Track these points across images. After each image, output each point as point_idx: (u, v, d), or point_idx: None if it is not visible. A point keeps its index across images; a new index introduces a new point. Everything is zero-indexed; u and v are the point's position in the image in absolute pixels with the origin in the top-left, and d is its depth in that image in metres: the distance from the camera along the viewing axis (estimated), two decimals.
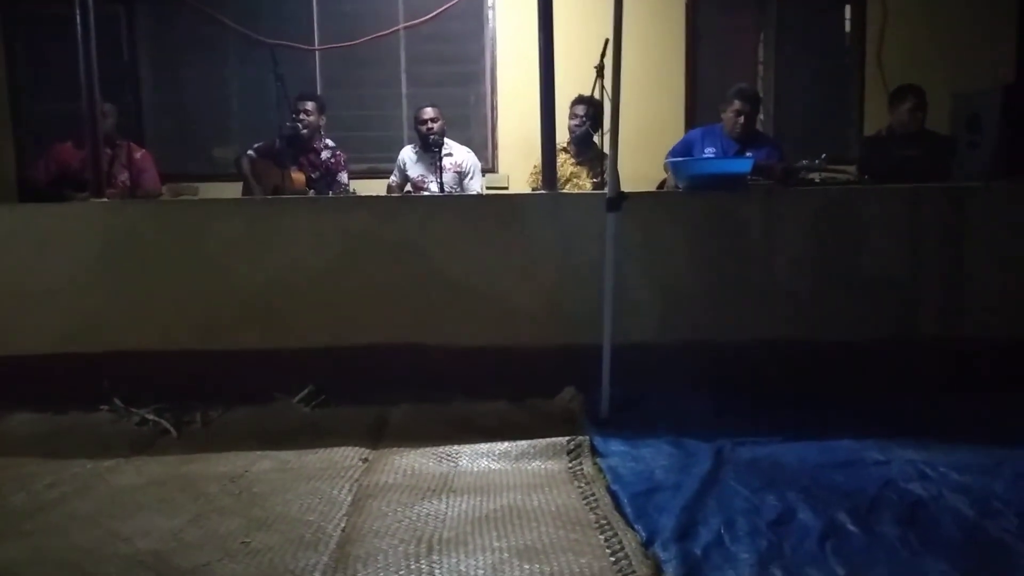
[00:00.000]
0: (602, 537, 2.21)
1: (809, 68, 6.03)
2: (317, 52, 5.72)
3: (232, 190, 4.85)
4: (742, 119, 4.38)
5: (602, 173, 4.63)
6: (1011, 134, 4.23)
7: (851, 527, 2.24)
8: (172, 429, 3.24)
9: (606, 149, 4.50)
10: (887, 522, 2.27)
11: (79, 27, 3.58)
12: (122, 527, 2.32)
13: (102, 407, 3.41)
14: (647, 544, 2.14)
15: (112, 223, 3.61)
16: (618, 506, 2.41)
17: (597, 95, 4.51)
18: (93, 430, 3.24)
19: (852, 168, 4.28)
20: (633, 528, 2.25)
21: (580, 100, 4.79)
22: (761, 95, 5.72)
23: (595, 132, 4.83)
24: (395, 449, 2.96)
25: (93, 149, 3.72)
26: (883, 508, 2.36)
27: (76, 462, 2.89)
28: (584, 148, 4.92)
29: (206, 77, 5.89)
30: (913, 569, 2.03)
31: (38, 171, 4.54)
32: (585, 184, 4.86)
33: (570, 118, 4.83)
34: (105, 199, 3.74)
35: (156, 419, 3.31)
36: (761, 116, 5.73)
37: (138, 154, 4.52)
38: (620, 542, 2.16)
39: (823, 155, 3.91)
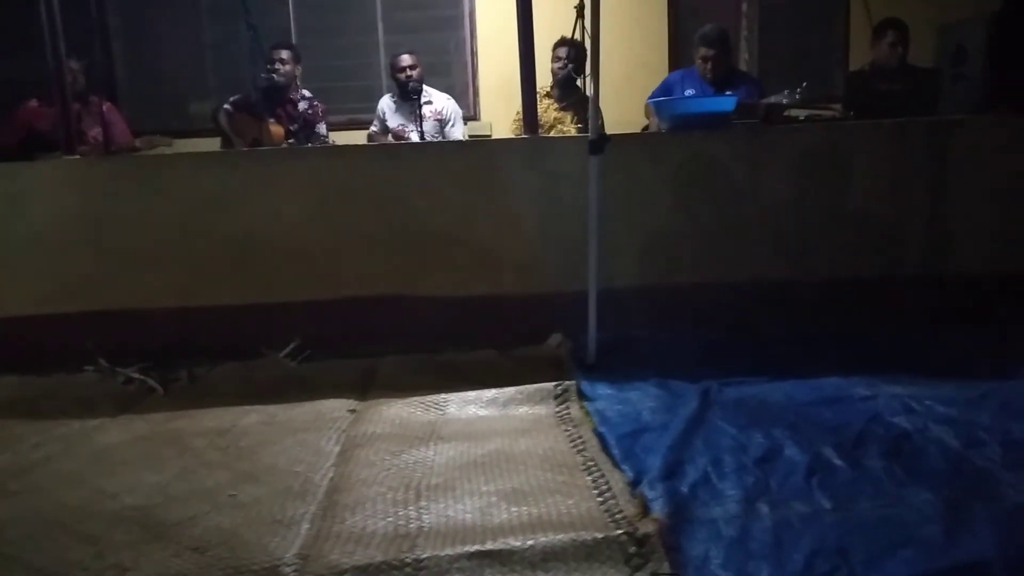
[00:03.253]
0: (589, 478, 2.21)
1: (793, 5, 5.93)
2: (290, 0, 5.58)
3: (210, 145, 4.76)
4: (710, 65, 4.30)
5: (587, 118, 4.56)
6: (997, 65, 4.17)
7: (837, 461, 2.25)
8: (158, 387, 3.22)
9: (589, 92, 4.46)
10: (873, 455, 2.29)
11: None
12: (108, 484, 2.31)
13: (87, 367, 3.38)
14: (634, 484, 2.14)
15: (87, 180, 3.54)
16: (605, 448, 2.42)
17: (578, 37, 4.44)
18: (78, 391, 3.21)
19: (838, 106, 4.22)
20: (620, 469, 2.26)
21: (562, 42, 4.70)
22: (745, 33, 5.64)
23: (578, 76, 4.75)
24: (382, 400, 2.96)
25: (62, 106, 3.64)
26: (869, 442, 2.37)
27: (62, 422, 2.88)
28: (568, 92, 4.84)
29: (178, 30, 5.77)
30: (898, 500, 2.04)
31: (2, 134, 4.43)
32: (569, 129, 4.79)
33: (552, 61, 4.74)
34: (77, 156, 3.66)
35: (142, 378, 3.29)
36: (746, 56, 5.65)
37: (104, 107, 4.41)
38: (607, 483, 2.17)
39: (804, 84, 3.84)
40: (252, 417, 2.84)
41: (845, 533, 1.89)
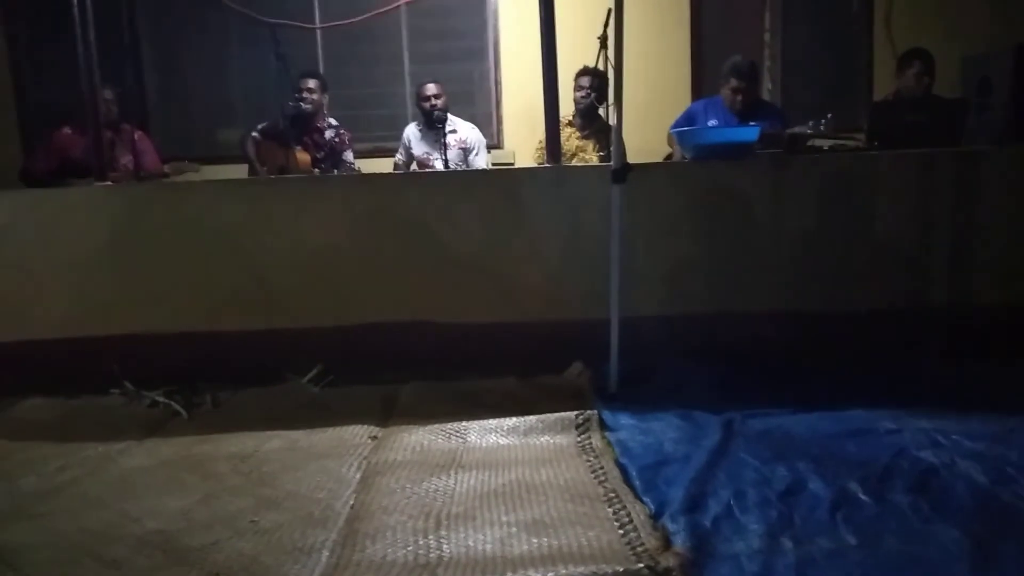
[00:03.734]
0: (610, 510, 2.20)
1: (816, 34, 5.95)
2: (318, 31, 5.68)
3: (237, 172, 4.84)
4: (740, 97, 4.32)
5: (609, 146, 4.59)
6: (1022, 97, 4.15)
7: (862, 496, 2.22)
8: (182, 411, 3.25)
9: (611, 121, 4.48)
10: (899, 490, 2.25)
11: (76, 11, 3.57)
12: (132, 508, 2.33)
13: (113, 390, 3.42)
14: (656, 516, 2.13)
15: (117, 206, 3.60)
16: (627, 479, 2.41)
17: (601, 66, 4.47)
18: (104, 413, 3.25)
19: (861, 136, 4.22)
20: (642, 500, 2.24)
21: (584, 72, 4.74)
22: (767, 63, 5.65)
23: (600, 104, 4.78)
24: (404, 427, 2.96)
25: (95, 133, 3.72)
26: (895, 476, 2.34)
27: (87, 445, 2.91)
28: (589, 121, 4.88)
29: (208, 59, 5.88)
30: (925, 537, 2.01)
31: (37, 161, 4.53)
32: (591, 157, 4.81)
33: (575, 90, 4.78)
34: (109, 183, 3.74)
35: (167, 401, 3.32)
36: (769, 85, 5.67)
37: (136, 135, 4.51)
38: (629, 515, 2.15)
39: (829, 115, 3.84)
40: (275, 442, 2.86)
41: (871, 570, 1.86)
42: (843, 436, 2.69)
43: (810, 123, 3.86)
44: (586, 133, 4.89)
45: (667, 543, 1.98)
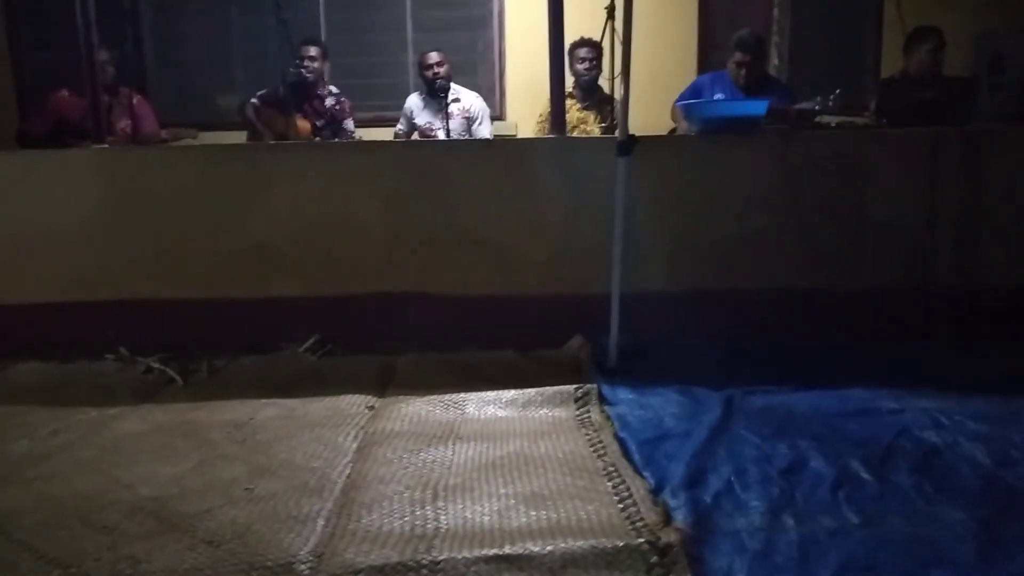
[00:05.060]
0: (610, 484, 2.17)
1: (825, 11, 5.86)
2: None
3: (236, 138, 4.76)
4: (744, 71, 4.24)
5: (610, 117, 4.53)
6: None
7: (865, 475, 2.20)
8: (178, 378, 3.22)
9: (616, 93, 4.42)
10: (902, 471, 2.23)
11: None
12: (124, 474, 2.30)
13: (108, 356, 3.39)
14: (656, 491, 2.10)
15: (115, 170, 3.54)
16: (626, 453, 2.38)
17: (607, 37, 4.39)
18: (98, 379, 3.22)
19: (870, 113, 4.16)
20: (641, 475, 2.21)
21: (582, 43, 4.65)
22: (776, 38, 5.57)
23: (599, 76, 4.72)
24: (401, 397, 2.93)
25: (92, 96, 3.66)
26: (897, 456, 2.32)
27: (81, 410, 2.88)
28: (590, 93, 4.81)
29: (209, 24, 5.79)
30: (929, 517, 1.99)
31: (34, 122, 4.46)
32: (593, 129, 4.75)
33: (576, 62, 4.70)
34: (106, 146, 3.68)
35: (162, 368, 3.29)
36: (776, 61, 5.59)
37: (134, 100, 4.44)
38: (628, 489, 2.13)
39: (837, 91, 3.77)
40: (270, 411, 2.83)
41: (874, 550, 1.84)
42: (845, 415, 2.66)
43: (818, 99, 3.80)
44: (587, 104, 4.82)
45: (667, 518, 1.95)
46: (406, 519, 2.01)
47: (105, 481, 2.26)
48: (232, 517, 2.03)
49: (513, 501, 2.08)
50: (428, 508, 2.06)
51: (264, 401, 2.92)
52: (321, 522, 2.00)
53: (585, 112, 4.81)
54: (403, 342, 3.41)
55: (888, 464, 2.27)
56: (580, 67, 4.71)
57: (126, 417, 2.81)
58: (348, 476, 2.27)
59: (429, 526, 1.97)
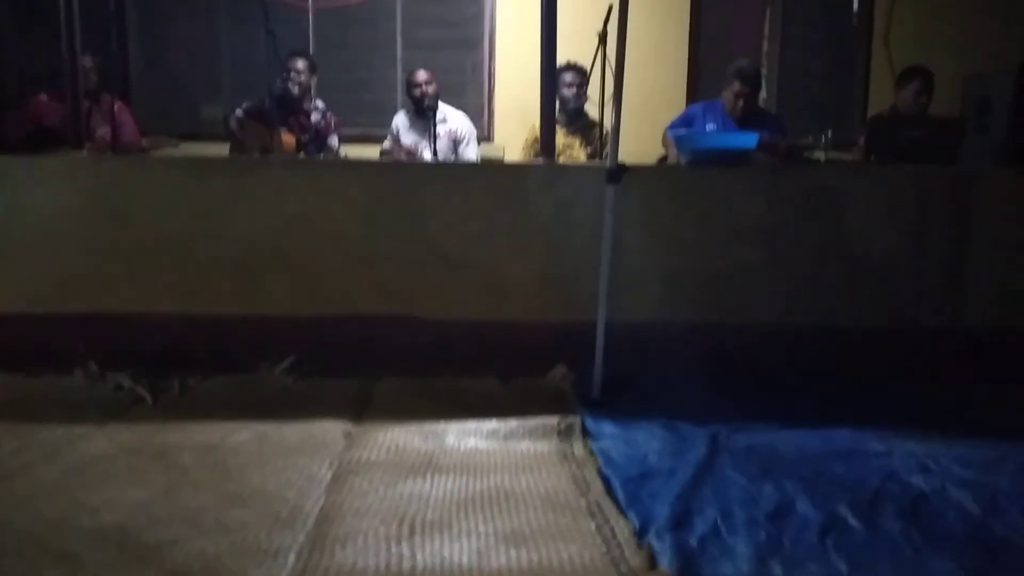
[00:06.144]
0: (593, 524, 2.11)
1: (815, 45, 5.90)
2: (311, 10, 5.53)
3: (219, 150, 4.68)
4: (741, 102, 4.24)
5: (598, 144, 4.50)
6: (1022, 117, 4.12)
7: (852, 521, 2.15)
8: (148, 396, 3.11)
9: (596, 117, 4.39)
10: (889, 516, 2.19)
11: None
12: (89, 498, 2.20)
13: (76, 371, 3.28)
14: (640, 533, 2.04)
15: (92, 178, 3.45)
16: (610, 491, 2.32)
17: (598, 63, 4.37)
18: (65, 394, 3.11)
19: (856, 150, 4.17)
20: (625, 515, 2.15)
21: (569, 67, 4.61)
22: (764, 71, 5.59)
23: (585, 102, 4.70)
24: (379, 424, 2.85)
25: (73, 102, 3.57)
26: (885, 501, 2.27)
27: (45, 427, 2.77)
28: (576, 117, 4.78)
29: (196, 32, 5.71)
30: (918, 567, 1.94)
31: (10, 127, 4.35)
32: (579, 155, 4.72)
33: (562, 87, 4.64)
34: (84, 153, 3.59)
35: (132, 385, 3.18)
36: (764, 94, 5.61)
37: (115, 106, 4.35)
38: (612, 529, 2.07)
39: (829, 132, 3.78)
40: (243, 435, 2.73)
41: None
42: (831, 456, 2.62)
43: (810, 138, 3.80)
44: (572, 130, 4.79)
45: (652, 562, 1.89)
46: (381, 556, 1.93)
47: (68, 505, 2.17)
48: (200, 548, 1.95)
49: (493, 540, 2.01)
50: (404, 545, 1.98)
51: (237, 424, 2.82)
52: (292, 557, 1.92)
53: (571, 137, 4.77)
54: (382, 366, 3.34)
55: (876, 509, 2.23)
56: (566, 92, 4.66)
57: (92, 437, 2.70)
58: (322, 507, 2.19)
59: (405, 564, 1.89)
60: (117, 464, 2.47)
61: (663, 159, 4.41)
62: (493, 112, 5.64)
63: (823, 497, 2.28)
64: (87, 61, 3.99)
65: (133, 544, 1.97)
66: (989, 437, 2.79)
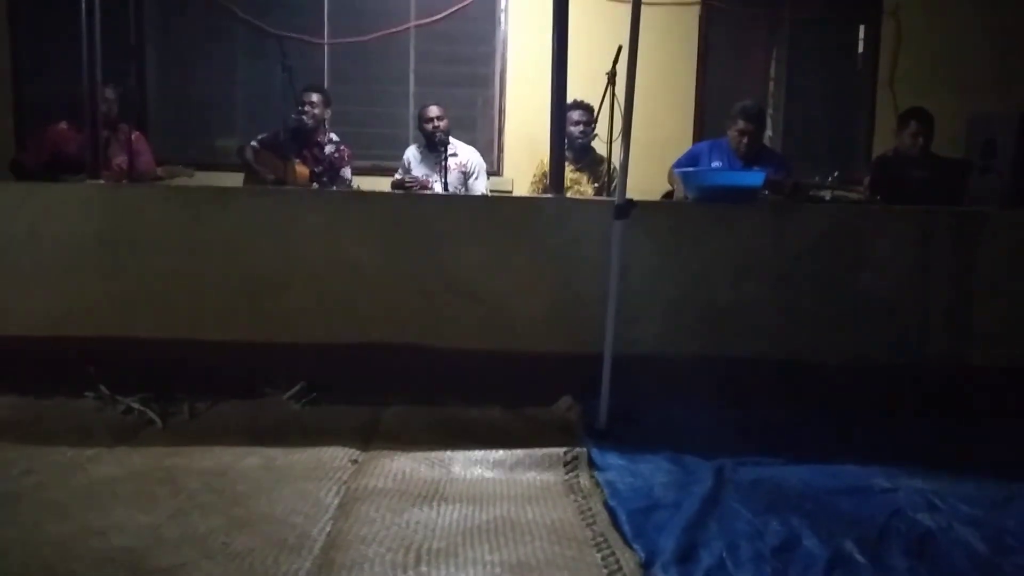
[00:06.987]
0: (599, 555, 2.12)
1: (820, 86, 5.98)
2: (326, 46, 5.65)
3: (233, 180, 4.76)
4: (746, 139, 4.29)
5: (606, 179, 4.55)
6: None
7: (859, 557, 2.15)
8: (158, 420, 3.14)
9: (603, 154, 4.45)
10: (896, 554, 2.19)
11: (84, 6, 3.51)
12: (97, 521, 2.22)
13: (87, 394, 3.31)
14: (646, 565, 2.05)
15: (107, 205, 3.51)
16: (615, 523, 2.32)
17: (607, 102, 4.44)
18: (76, 417, 3.14)
19: (862, 188, 4.21)
20: (631, 547, 2.16)
21: (576, 105, 4.66)
22: (770, 111, 5.67)
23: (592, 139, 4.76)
24: (386, 452, 2.87)
25: (91, 130, 3.65)
26: (891, 538, 2.28)
27: (56, 449, 2.80)
28: (583, 154, 4.83)
29: (213, 65, 5.82)
30: None
31: (29, 154, 4.43)
32: (587, 190, 4.78)
33: (570, 124, 4.67)
34: (101, 181, 3.65)
35: (142, 408, 3.21)
36: (769, 132, 5.68)
37: (133, 136, 4.43)
38: (618, 561, 2.07)
39: (836, 173, 3.82)
40: (251, 460, 2.75)
41: None
42: (837, 492, 2.62)
43: (816, 178, 3.85)
44: (579, 166, 4.84)
45: None
46: None
47: (76, 528, 2.19)
48: (207, 572, 1.96)
49: (499, 569, 2.02)
50: (411, 573, 1.99)
51: (245, 449, 2.84)
52: None
53: (578, 173, 4.83)
54: (390, 393, 3.36)
55: (882, 546, 2.24)
56: (573, 129, 4.70)
57: (102, 459, 2.72)
58: (328, 534, 2.20)
59: None
60: (126, 487, 2.49)
61: (668, 195, 4.46)
62: (502, 147, 5.72)
63: (829, 533, 2.28)
64: (109, 92, 4.07)
65: (140, 568, 1.99)
66: (996, 475, 2.79)
